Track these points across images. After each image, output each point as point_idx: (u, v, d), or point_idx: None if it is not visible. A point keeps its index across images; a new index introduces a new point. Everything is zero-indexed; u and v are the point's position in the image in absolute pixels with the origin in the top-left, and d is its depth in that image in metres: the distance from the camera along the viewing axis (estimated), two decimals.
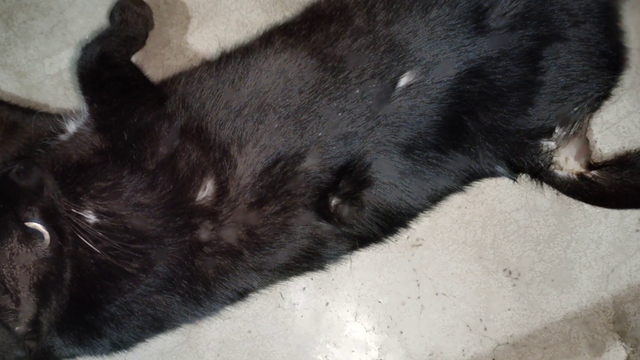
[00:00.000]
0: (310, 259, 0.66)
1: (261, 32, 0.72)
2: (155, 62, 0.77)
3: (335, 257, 0.68)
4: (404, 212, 0.66)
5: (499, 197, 0.74)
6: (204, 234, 0.62)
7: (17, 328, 0.54)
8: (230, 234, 0.63)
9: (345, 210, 0.64)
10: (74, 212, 0.59)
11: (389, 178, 0.63)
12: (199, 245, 0.62)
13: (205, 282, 0.63)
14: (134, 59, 0.76)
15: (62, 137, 0.67)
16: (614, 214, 0.73)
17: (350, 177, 0.63)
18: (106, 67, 0.67)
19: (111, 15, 0.72)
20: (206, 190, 0.62)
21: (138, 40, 0.71)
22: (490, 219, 0.74)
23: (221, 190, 0.62)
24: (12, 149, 0.68)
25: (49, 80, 0.77)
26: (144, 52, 0.77)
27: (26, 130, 0.69)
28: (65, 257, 0.58)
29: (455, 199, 0.74)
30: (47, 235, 0.56)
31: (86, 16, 0.77)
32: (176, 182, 0.62)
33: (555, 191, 0.73)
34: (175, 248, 0.61)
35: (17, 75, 0.78)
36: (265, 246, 0.63)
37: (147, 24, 0.72)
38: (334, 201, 0.64)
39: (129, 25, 0.70)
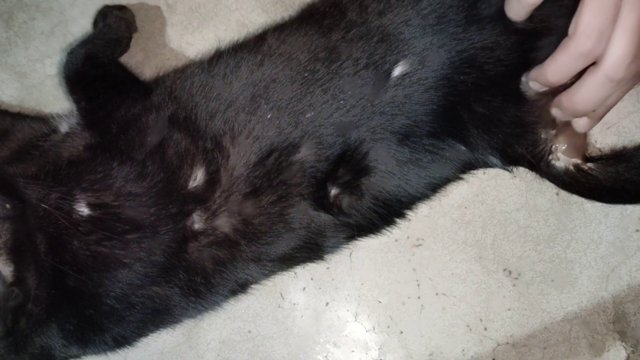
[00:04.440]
0: (309, 249, 0.66)
1: (256, 32, 0.73)
2: (156, 62, 0.77)
3: (334, 247, 0.68)
4: (402, 200, 0.66)
5: (499, 197, 0.74)
6: (197, 224, 0.62)
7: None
8: (225, 224, 0.63)
9: (345, 200, 0.64)
10: (66, 207, 0.59)
11: (386, 166, 0.64)
12: (194, 235, 0.62)
13: (204, 274, 0.64)
14: (134, 60, 0.76)
15: (55, 137, 0.68)
16: (614, 214, 0.73)
17: (349, 165, 0.63)
18: (91, 66, 0.69)
19: (95, 23, 0.75)
20: (197, 180, 0.63)
21: (122, 42, 0.73)
22: (490, 219, 0.74)
23: (212, 180, 0.63)
24: (5, 153, 0.68)
25: (50, 80, 0.78)
26: (144, 52, 0.77)
27: (17, 135, 0.70)
28: (30, 217, 0.58)
29: (455, 199, 0.74)
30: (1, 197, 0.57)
31: (87, 17, 0.77)
32: (166, 171, 0.62)
33: (556, 191, 0.73)
34: (170, 237, 0.61)
35: (17, 75, 0.78)
36: (262, 236, 0.64)
37: (129, 26, 0.74)
38: (333, 191, 0.64)
39: (112, 28, 0.72)
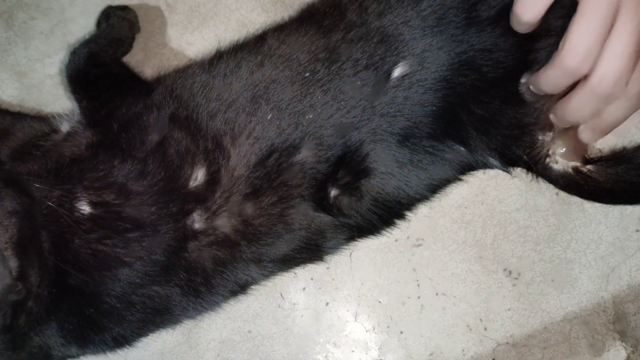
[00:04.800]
0: (310, 250, 0.66)
1: (256, 32, 0.73)
2: (156, 61, 0.77)
3: (334, 248, 0.68)
4: (402, 202, 0.66)
5: (499, 197, 0.74)
6: (198, 223, 0.63)
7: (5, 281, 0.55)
8: (225, 224, 0.63)
9: (345, 201, 0.64)
10: (68, 205, 0.60)
11: (386, 167, 0.64)
12: (194, 234, 0.62)
13: (204, 274, 0.64)
14: (134, 59, 0.76)
15: (56, 136, 0.68)
16: (614, 214, 0.73)
17: (349, 167, 0.63)
18: (94, 65, 0.69)
19: (98, 23, 0.75)
20: (198, 180, 0.63)
21: (124, 42, 0.73)
22: (490, 219, 0.74)
23: (213, 180, 0.63)
24: (6, 152, 0.68)
25: (50, 80, 0.78)
26: (144, 52, 0.77)
27: (18, 135, 0.70)
28: (36, 213, 0.59)
29: (455, 199, 0.74)
30: (10, 192, 0.57)
31: (87, 16, 0.77)
32: (167, 170, 0.62)
33: (555, 191, 0.73)
34: (170, 236, 0.61)
35: (17, 75, 0.78)
36: (263, 236, 0.64)
37: (132, 26, 0.74)
38: (333, 192, 0.64)
39: (115, 28, 0.73)
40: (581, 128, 0.60)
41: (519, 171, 0.70)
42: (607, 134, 0.61)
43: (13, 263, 0.55)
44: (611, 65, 0.50)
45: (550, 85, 0.56)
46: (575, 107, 0.56)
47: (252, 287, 0.68)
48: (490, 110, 0.62)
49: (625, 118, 0.56)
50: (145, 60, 0.77)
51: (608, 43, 0.50)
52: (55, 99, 0.77)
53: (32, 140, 0.68)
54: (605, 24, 0.50)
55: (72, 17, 0.78)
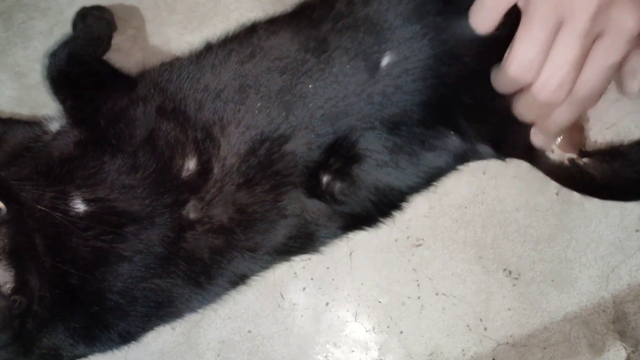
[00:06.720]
0: (304, 238, 0.67)
1: (246, 24, 0.72)
2: (155, 61, 0.76)
3: (329, 237, 0.68)
4: (395, 188, 0.66)
5: (499, 197, 0.74)
6: (193, 213, 0.63)
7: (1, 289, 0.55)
8: (220, 213, 0.63)
9: (337, 187, 0.64)
10: (62, 205, 0.60)
11: (378, 154, 0.64)
12: (191, 224, 0.63)
13: (203, 264, 0.64)
14: (133, 59, 0.76)
15: (46, 137, 0.68)
16: (615, 213, 0.73)
17: (339, 154, 0.64)
18: (75, 65, 0.69)
19: (74, 24, 0.75)
20: (190, 170, 0.63)
21: (103, 41, 0.73)
22: (490, 219, 0.74)
23: (205, 170, 0.63)
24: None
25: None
26: (143, 52, 0.77)
27: (9, 141, 0.70)
28: (26, 218, 0.58)
29: (455, 199, 0.74)
30: (1, 204, 0.57)
31: None
32: (158, 162, 0.63)
33: (555, 191, 0.73)
34: (167, 227, 0.62)
35: (16, 75, 0.78)
36: (257, 223, 0.64)
37: (109, 25, 0.74)
38: (325, 178, 0.64)
39: (92, 28, 0.73)
40: (532, 131, 0.61)
41: (519, 170, 0.70)
42: (556, 137, 0.63)
43: (9, 272, 0.55)
44: (552, 75, 0.52)
45: (499, 89, 0.58)
46: (521, 111, 0.58)
47: (250, 277, 0.68)
48: (479, 98, 0.62)
49: (570, 122, 0.57)
50: (144, 61, 0.76)
51: (550, 53, 0.52)
52: (53, 99, 0.77)
53: (23, 144, 0.68)
54: (548, 36, 0.52)
55: (70, 17, 0.77)
